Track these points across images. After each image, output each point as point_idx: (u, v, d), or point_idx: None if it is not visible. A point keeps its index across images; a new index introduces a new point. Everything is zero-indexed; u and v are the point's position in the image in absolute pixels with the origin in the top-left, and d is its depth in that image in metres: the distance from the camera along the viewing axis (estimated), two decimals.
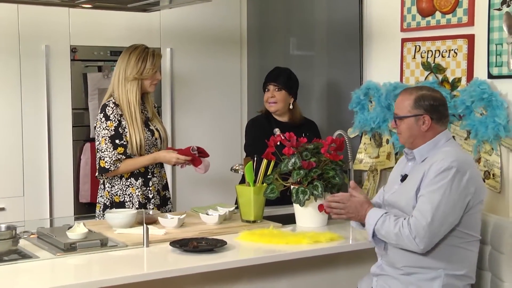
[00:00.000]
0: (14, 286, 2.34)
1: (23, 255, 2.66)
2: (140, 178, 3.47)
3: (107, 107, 3.43)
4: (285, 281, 2.90)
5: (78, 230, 2.80)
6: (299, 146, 3.20)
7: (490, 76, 3.23)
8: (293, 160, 3.15)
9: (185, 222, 3.16)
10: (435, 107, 2.66)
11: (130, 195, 3.45)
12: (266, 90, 3.80)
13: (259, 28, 4.84)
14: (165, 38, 4.54)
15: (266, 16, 4.81)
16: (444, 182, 2.53)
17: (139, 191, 3.46)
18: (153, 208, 3.45)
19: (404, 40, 3.69)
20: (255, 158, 3.29)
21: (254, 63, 4.84)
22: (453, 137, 3.37)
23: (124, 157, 3.40)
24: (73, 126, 4.30)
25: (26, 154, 4.16)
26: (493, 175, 3.20)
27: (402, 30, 3.70)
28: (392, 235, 2.57)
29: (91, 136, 4.30)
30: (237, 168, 3.54)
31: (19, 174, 4.15)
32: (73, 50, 4.26)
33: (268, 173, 3.25)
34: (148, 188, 3.50)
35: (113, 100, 3.45)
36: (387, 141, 3.78)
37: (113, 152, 3.37)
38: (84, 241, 2.75)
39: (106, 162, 3.38)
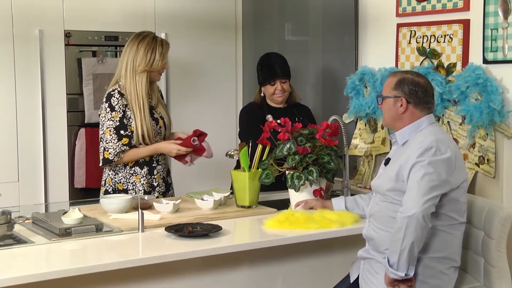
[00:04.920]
0: (9, 271, 2.33)
1: (18, 240, 2.66)
2: (145, 167, 3.46)
3: (112, 97, 3.39)
4: (281, 266, 2.91)
5: (73, 215, 2.80)
6: (294, 131, 3.20)
7: (485, 61, 3.23)
8: (288, 145, 3.15)
9: (180, 207, 3.16)
10: (414, 92, 2.69)
11: (134, 183, 3.45)
12: (271, 84, 3.70)
13: (254, 13, 4.82)
14: (159, 23, 4.51)
15: (261, 1, 4.79)
16: (425, 162, 2.54)
17: (144, 180, 3.45)
18: (157, 196, 3.45)
19: (399, 25, 3.68)
20: (250, 144, 3.29)
21: (249, 48, 4.83)
22: (448, 122, 3.38)
23: (128, 148, 3.38)
24: (67, 112, 4.29)
25: (21, 139, 4.15)
26: (488, 160, 3.21)
27: (398, 15, 3.69)
28: (397, 236, 2.52)
29: (86, 122, 4.29)
30: (232, 153, 3.53)
31: (13, 160, 4.14)
32: (67, 35, 4.24)
33: (263, 159, 3.25)
34: (153, 176, 3.49)
35: (119, 89, 3.41)
36: (382, 127, 3.78)
37: (117, 144, 3.36)
38: (79, 226, 2.75)
39: (110, 153, 3.37)
